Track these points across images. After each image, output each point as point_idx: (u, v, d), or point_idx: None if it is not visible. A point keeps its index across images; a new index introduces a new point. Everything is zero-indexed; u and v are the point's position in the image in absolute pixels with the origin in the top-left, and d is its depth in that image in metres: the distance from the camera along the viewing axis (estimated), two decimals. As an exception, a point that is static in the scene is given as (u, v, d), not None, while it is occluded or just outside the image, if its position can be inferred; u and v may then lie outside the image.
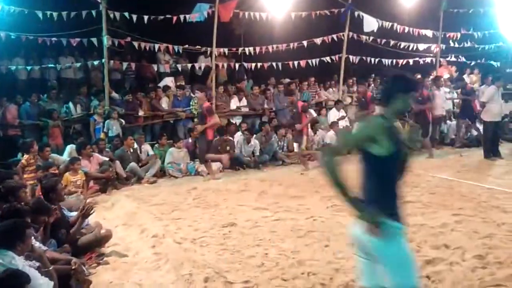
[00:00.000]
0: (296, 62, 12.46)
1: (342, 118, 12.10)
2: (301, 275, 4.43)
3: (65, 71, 12.21)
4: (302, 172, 9.22)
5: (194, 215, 6.48)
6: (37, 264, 3.85)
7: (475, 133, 12.34)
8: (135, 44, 10.65)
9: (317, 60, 12.62)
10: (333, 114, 12.08)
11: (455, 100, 13.49)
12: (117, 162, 8.70)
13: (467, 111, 11.77)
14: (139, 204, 7.13)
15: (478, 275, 4.30)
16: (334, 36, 12.54)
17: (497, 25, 13.98)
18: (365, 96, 10.80)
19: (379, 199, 2.77)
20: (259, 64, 12.22)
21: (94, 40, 10.03)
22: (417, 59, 13.91)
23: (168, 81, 11.82)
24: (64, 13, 9.66)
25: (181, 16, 10.61)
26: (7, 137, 9.63)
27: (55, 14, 9.61)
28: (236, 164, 9.83)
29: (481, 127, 11.31)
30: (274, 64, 12.29)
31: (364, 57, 13.23)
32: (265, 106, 11.99)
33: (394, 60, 13.53)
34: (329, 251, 5.03)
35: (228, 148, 9.84)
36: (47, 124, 9.62)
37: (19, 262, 3.50)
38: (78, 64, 11.85)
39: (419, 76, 12.82)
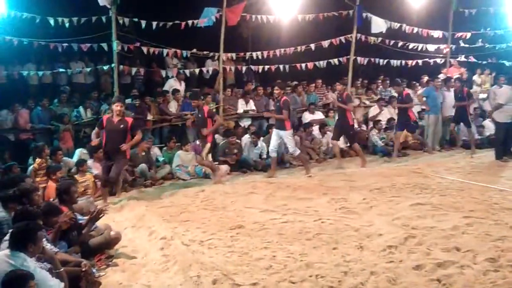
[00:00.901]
0: (303, 65, 12.46)
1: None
2: (309, 278, 4.42)
3: (76, 76, 12.34)
4: (310, 174, 9.20)
5: (202, 217, 6.50)
6: (48, 265, 3.90)
7: (487, 133, 12.24)
8: (144, 49, 10.73)
9: (325, 62, 12.58)
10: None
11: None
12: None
13: (403, 120, 11.14)
14: (147, 206, 7.16)
15: (490, 279, 4.27)
16: (342, 38, 12.50)
17: (508, 24, 13.85)
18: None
19: None
20: (266, 67, 12.23)
21: (104, 45, 10.12)
22: (426, 59, 13.81)
23: (172, 83, 11.83)
24: (74, 19, 9.77)
25: (189, 22, 10.67)
26: (20, 141, 9.73)
27: (66, 20, 9.72)
28: (244, 166, 9.84)
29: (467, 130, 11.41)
30: (281, 66, 12.29)
31: (372, 59, 13.18)
32: (272, 108, 11.97)
33: (403, 61, 13.44)
34: (338, 254, 5.00)
35: (235, 150, 9.86)
36: (58, 128, 9.73)
37: (31, 264, 3.55)
38: (89, 69, 11.95)
39: (426, 78, 12.73)
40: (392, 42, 13.04)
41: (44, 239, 4.07)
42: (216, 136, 10.67)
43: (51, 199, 6.08)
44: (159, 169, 9.28)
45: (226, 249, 5.23)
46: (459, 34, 13.92)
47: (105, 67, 11.03)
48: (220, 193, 7.97)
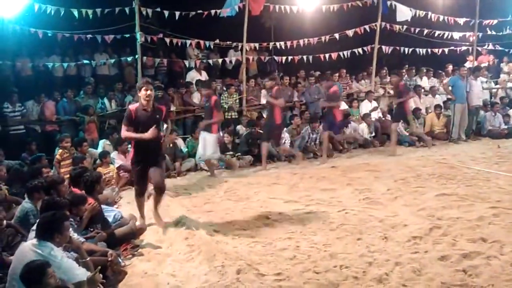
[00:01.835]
0: (327, 55, 12.37)
1: (374, 109, 11.93)
2: (333, 268, 4.41)
3: (100, 67, 12.49)
4: (333, 165, 9.15)
5: (226, 208, 6.54)
6: (75, 255, 3.97)
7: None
8: (167, 40, 10.79)
9: (349, 52, 12.46)
10: (365, 106, 11.93)
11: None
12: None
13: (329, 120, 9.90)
14: (172, 197, 7.23)
15: (518, 269, 4.20)
16: (367, 27, 12.35)
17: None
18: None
19: None
20: (289, 57, 12.17)
21: (128, 36, 10.20)
22: (452, 48, 13.53)
23: (193, 75, 11.87)
24: (98, 11, 9.88)
25: (212, 12, 10.67)
26: (46, 132, 9.92)
27: (89, 11, 9.83)
28: (268, 157, 9.84)
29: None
30: (304, 57, 12.22)
31: (397, 47, 12.99)
32: (295, 98, 11.93)
33: (429, 50, 13.21)
34: (362, 244, 4.98)
35: (258, 141, 9.86)
36: (83, 119, 9.87)
37: (58, 253, 3.62)
38: (112, 61, 12.10)
39: (451, 66, 12.48)
40: (417, 30, 12.82)
41: (70, 229, 4.15)
42: (239, 127, 10.72)
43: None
44: (184, 162, 9.34)
45: (250, 239, 5.25)
46: (486, 21, 13.59)
47: (129, 59, 11.15)
48: (244, 184, 8.00)
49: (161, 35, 10.83)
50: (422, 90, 12.73)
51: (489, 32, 13.95)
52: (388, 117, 12.09)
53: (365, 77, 13.41)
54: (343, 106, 11.79)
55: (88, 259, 4.05)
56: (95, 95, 10.87)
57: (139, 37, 10.06)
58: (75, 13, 9.79)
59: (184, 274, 4.45)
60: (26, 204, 5.05)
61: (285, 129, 10.25)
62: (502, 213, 5.78)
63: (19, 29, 9.71)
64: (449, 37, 13.21)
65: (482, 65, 14.04)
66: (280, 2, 11.63)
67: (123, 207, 6.84)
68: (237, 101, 11.34)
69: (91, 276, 3.63)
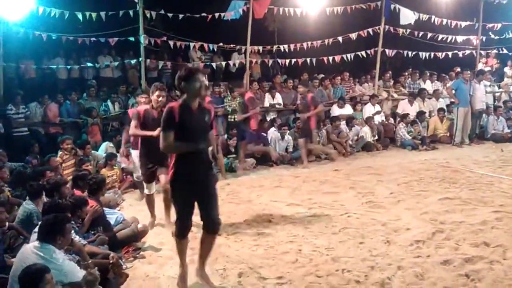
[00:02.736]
0: (330, 58, 12.36)
1: (378, 113, 11.91)
2: (335, 272, 4.40)
3: (104, 70, 12.53)
4: (336, 168, 9.14)
5: (228, 211, 6.52)
6: (77, 257, 3.97)
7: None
8: (170, 43, 10.81)
9: (352, 54, 12.46)
10: (368, 109, 11.91)
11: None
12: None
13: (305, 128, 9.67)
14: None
15: (522, 274, 4.18)
16: (370, 30, 12.34)
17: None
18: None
19: None
20: (293, 60, 12.18)
21: (131, 39, 10.23)
22: (456, 51, 13.51)
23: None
24: (102, 14, 9.91)
25: (216, 15, 10.69)
26: (49, 134, 9.94)
27: (94, 14, 9.86)
28: (270, 160, 9.83)
29: None
30: (308, 60, 12.22)
31: (400, 51, 12.98)
32: (298, 101, 11.90)
33: (432, 53, 13.20)
34: (364, 248, 4.97)
35: (262, 144, 9.85)
36: (86, 122, 9.89)
37: (59, 256, 3.62)
38: (116, 63, 12.13)
39: (458, 69, 12.45)
40: (421, 33, 12.80)
41: (72, 231, 4.15)
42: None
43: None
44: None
45: (252, 243, 5.25)
46: (490, 25, 13.56)
47: (133, 61, 11.17)
48: (246, 186, 7.99)
49: (164, 38, 10.85)
50: (426, 93, 12.69)
51: (492, 36, 13.92)
52: (391, 120, 12.09)
53: (368, 80, 13.39)
54: (348, 110, 11.78)
55: (89, 261, 4.05)
56: (98, 97, 10.90)
57: (143, 39, 10.09)
58: (79, 16, 9.83)
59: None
60: (28, 205, 5.04)
61: (288, 132, 10.25)
62: (505, 217, 5.77)
63: (24, 32, 9.75)
64: (452, 40, 13.18)
65: (486, 68, 14.01)
66: (284, 4, 11.65)
67: (125, 209, 6.83)
68: (242, 104, 11.31)
69: (87, 274, 3.60)
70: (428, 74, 13.70)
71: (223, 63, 12.45)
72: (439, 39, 13.02)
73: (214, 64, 12.30)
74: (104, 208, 5.64)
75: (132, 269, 4.72)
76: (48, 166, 7.17)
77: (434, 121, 11.96)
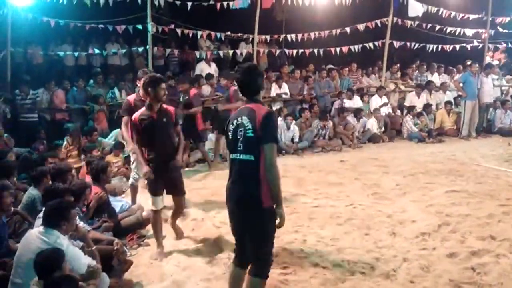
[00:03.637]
0: (338, 49, 12.29)
1: (385, 105, 11.83)
2: (340, 263, 4.39)
3: (111, 57, 12.54)
4: (342, 159, 9.11)
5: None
6: (81, 243, 3.97)
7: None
8: (178, 31, 10.77)
9: (360, 46, 12.37)
10: (375, 101, 11.83)
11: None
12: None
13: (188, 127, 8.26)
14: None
15: (527, 268, 4.16)
16: (378, 21, 12.24)
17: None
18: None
19: None
20: (300, 51, 12.11)
21: (139, 27, 10.18)
22: (464, 44, 13.38)
23: (203, 67, 11.81)
24: (110, 1, 9.83)
25: (225, 3, 10.62)
26: (55, 121, 9.95)
27: (101, 1, 9.80)
28: (277, 143, 9.77)
29: None
30: (315, 50, 12.15)
31: (408, 43, 12.88)
32: (305, 92, 11.87)
33: (440, 46, 13.08)
34: (369, 240, 4.96)
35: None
36: (93, 108, 9.90)
37: (64, 241, 3.62)
38: (123, 51, 12.11)
39: (469, 62, 12.33)
40: (429, 26, 12.69)
41: (77, 217, 4.15)
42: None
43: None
44: (192, 153, 9.33)
45: (256, 232, 5.23)
46: (499, 18, 13.41)
47: (140, 49, 11.14)
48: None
49: (172, 26, 10.80)
50: (433, 86, 12.59)
51: (500, 30, 13.77)
52: (398, 112, 12.02)
53: (375, 72, 13.32)
54: (357, 101, 11.70)
55: (94, 248, 4.05)
56: (105, 84, 10.89)
57: (150, 27, 10.04)
58: (88, 2, 9.77)
59: (190, 265, 4.45)
60: (32, 191, 5.05)
61: (293, 121, 10.20)
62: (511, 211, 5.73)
63: (31, 18, 9.72)
64: (461, 33, 13.05)
65: (494, 62, 13.88)
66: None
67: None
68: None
69: (90, 270, 3.61)
70: (436, 66, 13.58)
71: (231, 52, 12.39)
72: (447, 31, 12.89)
73: (221, 53, 12.25)
74: (109, 196, 5.65)
75: (136, 256, 4.74)
76: (53, 152, 7.18)
77: (441, 114, 11.87)
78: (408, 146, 10.60)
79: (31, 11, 9.77)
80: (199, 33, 11.09)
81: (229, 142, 3.38)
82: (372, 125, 11.10)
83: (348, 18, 12.84)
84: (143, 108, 4.74)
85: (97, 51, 11.74)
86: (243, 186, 3.26)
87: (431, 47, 12.97)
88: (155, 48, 10.74)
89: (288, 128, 10.09)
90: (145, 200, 6.15)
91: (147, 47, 10.29)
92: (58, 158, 7.15)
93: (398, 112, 12.06)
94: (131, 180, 6.17)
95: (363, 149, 10.34)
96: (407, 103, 12.20)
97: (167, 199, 4.97)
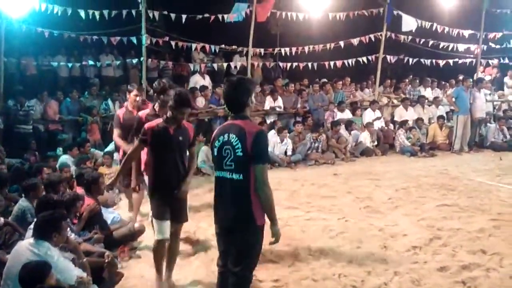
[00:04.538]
0: (332, 62, 12.40)
1: (378, 119, 11.91)
2: (332, 277, 4.40)
3: (105, 69, 12.56)
4: (335, 173, 9.14)
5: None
6: (72, 255, 3.95)
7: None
8: (172, 43, 10.82)
9: (354, 60, 12.49)
10: (368, 115, 11.91)
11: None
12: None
13: None
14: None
15: (517, 282, 4.18)
16: (372, 36, 12.38)
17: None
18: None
19: None
20: (294, 64, 12.20)
21: (133, 39, 10.23)
22: (456, 60, 13.55)
23: (197, 79, 11.85)
24: (105, 12, 9.89)
25: (219, 16, 10.71)
26: (49, 131, 9.92)
27: (96, 13, 9.85)
28: (269, 162, 9.80)
29: None
30: (309, 64, 12.25)
31: (401, 57, 13.02)
32: (298, 105, 11.92)
33: (433, 61, 13.24)
34: (361, 253, 4.96)
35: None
36: (86, 120, 9.89)
37: (54, 253, 3.60)
38: (118, 62, 12.14)
39: (461, 77, 12.46)
40: (422, 41, 12.84)
41: (68, 229, 4.13)
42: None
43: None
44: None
45: (248, 245, 5.22)
46: (491, 34, 13.61)
47: (134, 61, 11.17)
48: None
49: (166, 38, 10.86)
50: (426, 100, 12.71)
51: (493, 46, 13.96)
52: (391, 126, 12.09)
53: (369, 86, 13.42)
54: (347, 114, 11.78)
55: (85, 260, 4.03)
56: (99, 96, 10.90)
57: (145, 39, 10.09)
58: (82, 14, 9.82)
59: (182, 278, 4.44)
60: (23, 202, 5.02)
61: (287, 135, 10.24)
62: (502, 225, 5.78)
63: (26, 28, 9.75)
64: (454, 49, 13.22)
65: (487, 77, 14.03)
66: (287, 8, 11.67)
67: (123, 209, 6.80)
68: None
69: (77, 280, 3.58)
70: (429, 81, 13.72)
71: (225, 65, 12.46)
72: (440, 46, 13.05)
73: (215, 66, 12.30)
74: (102, 207, 5.62)
75: (127, 269, 4.71)
76: (45, 163, 7.15)
77: (434, 128, 11.96)
78: (401, 160, 10.65)
79: (25, 22, 9.79)
80: (193, 45, 11.16)
81: (213, 159, 3.29)
82: (365, 138, 11.15)
83: (342, 32, 13.00)
84: (160, 119, 4.23)
85: (91, 62, 11.78)
86: (235, 205, 3.15)
87: (424, 61, 13.12)
88: (149, 60, 10.78)
89: (282, 141, 10.12)
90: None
91: (141, 59, 10.33)
92: (50, 167, 7.11)
93: (391, 126, 12.13)
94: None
95: (356, 163, 10.38)
96: (396, 117, 12.29)
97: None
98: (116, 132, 5.85)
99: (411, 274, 4.38)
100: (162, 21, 11.05)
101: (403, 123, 11.64)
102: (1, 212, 4.95)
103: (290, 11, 11.58)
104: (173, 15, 10.44)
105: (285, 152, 10.15)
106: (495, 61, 14.55)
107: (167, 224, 4.13)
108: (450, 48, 13.19)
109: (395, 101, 13.00)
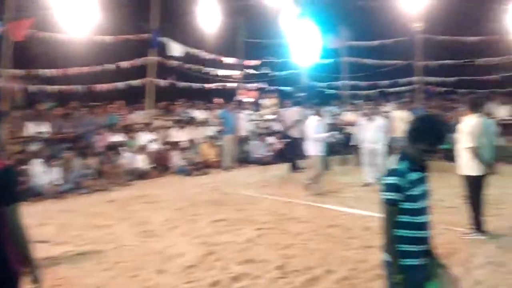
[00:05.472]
0: (102, 85, 12.09)
1: (153, 140, 12.00)
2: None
3: None
4: (110, 199, 8.81)
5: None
6: None
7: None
8: None
9: (124, 83, 12.44)
10: (143, 137, 11.91)
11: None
12: None
13: None
14: None
15: (279, 286, 4.61)
16: (140, 60, 12.62)
17: (289, 54, 15.52)
18: None
19: None
20: (62, 87, 11.50)
21: None
22: (222, 84, 14.79)
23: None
24: None
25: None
26: None
27: None
28: (34, 194, 8.90)
29: None
30: (79, 87, 11.73)
31: (173, 81, 13.55)
32: (66, 130, 11.19)
33: (203, 85, 14.20)
34: (137, 281, 4.83)
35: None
36: None
37: None
38: None
39: (221, 100, 13.58)
40: (191, 66, 13.66)
41: None
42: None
43: None
44: None
45: None
46: (250, 62, 15.29)
47: None
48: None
49: None
50: (196, 121, 13.42)
51: (250, 71, 15.70)
52: (167, 147, 12.34)
53: (142, 108, 13.48)
54: (119, 137, 11.57)
55: None
56: None
57: None
58: None
59: None
60: None
61: (58, 164, 9.49)
62: (266, 233, 6.37)
63: None
64: (218, 74, 14.48)
65: (249, 100, 15.63)
66: (48, 30, 10.94)
67: None
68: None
69: None
70: (199, 103, 14.53)
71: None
72: (204, 72, 14.12)
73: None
74: None
75: None
76: None
77: (205, 148, 12.64)
78: (177, 180, 10.92)
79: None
80: None
81: None
82: (141, 161, 11.10)
83: (112, 56, 12.81)
84: None
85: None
86: None
87: (194, 85, 13.91)
88: None
89: (51, 170, 9.32)
90: None
91: None
92: None
93: (167, 147, 12.36)
94: None
95: (132, 187, 10.23)
96: (171, 139, 12.64)
97: None
98: None
99: (186, 293, 4.44)
100: None
101: (177, 144, 11.98)
102: None
103: (52, 32, 10.90)
104: None
105: (53, 182, 9.37)
106: (254, 85, 16.26)
107: None
108: (215, 74, 14.34)
109: (169, 124, 13.34)
